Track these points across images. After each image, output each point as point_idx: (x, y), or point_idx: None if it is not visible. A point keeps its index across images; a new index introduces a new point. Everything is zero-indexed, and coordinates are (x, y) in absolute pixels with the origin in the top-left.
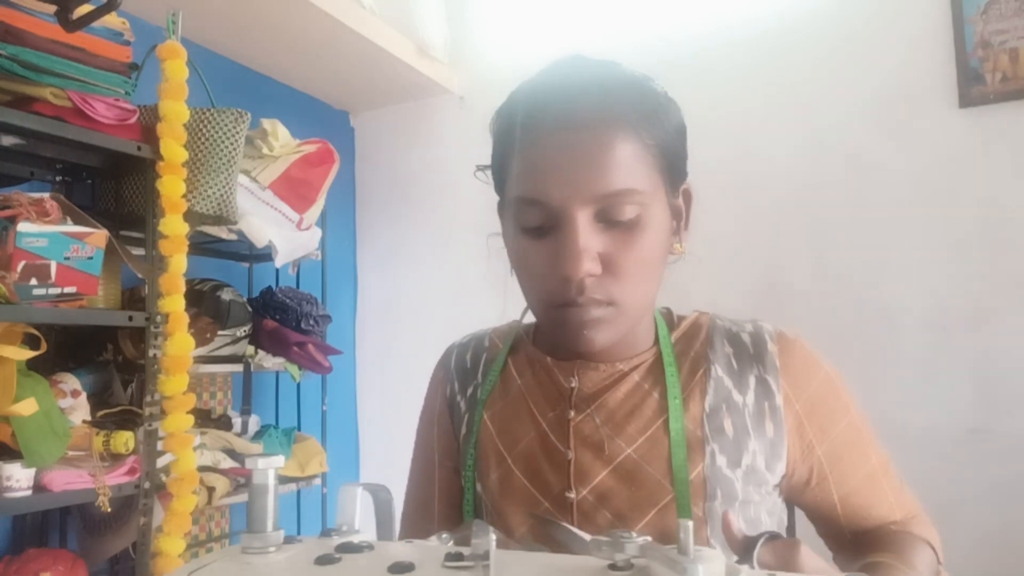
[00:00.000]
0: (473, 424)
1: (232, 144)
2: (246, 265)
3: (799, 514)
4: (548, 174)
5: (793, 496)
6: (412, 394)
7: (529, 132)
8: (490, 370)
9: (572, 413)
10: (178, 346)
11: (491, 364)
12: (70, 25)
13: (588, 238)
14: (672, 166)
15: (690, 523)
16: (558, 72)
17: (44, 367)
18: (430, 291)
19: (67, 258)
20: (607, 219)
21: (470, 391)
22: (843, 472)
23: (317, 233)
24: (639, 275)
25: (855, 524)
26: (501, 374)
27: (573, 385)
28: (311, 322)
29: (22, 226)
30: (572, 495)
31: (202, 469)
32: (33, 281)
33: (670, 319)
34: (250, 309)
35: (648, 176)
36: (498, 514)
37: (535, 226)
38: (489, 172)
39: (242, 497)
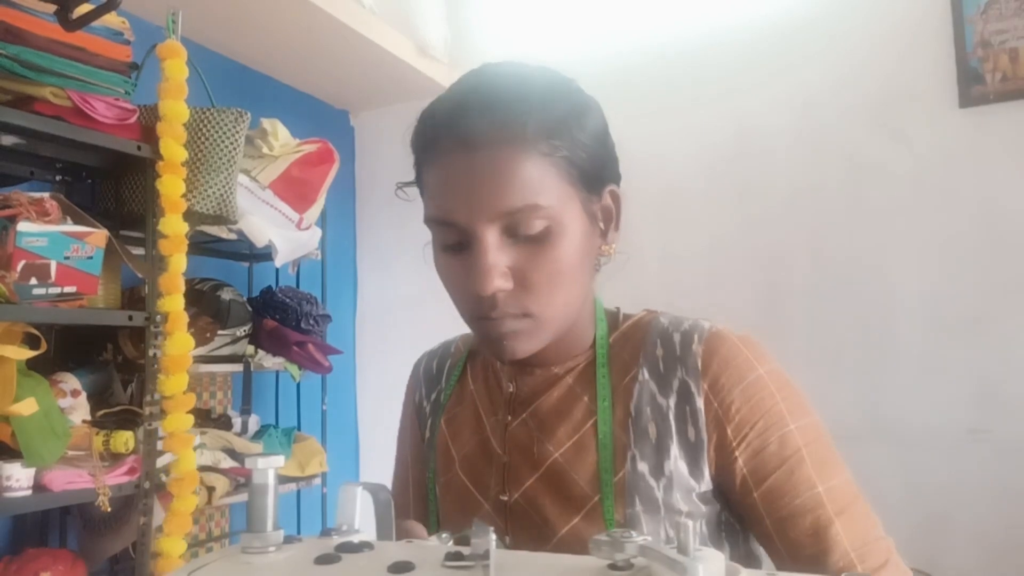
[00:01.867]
0: (434, 428)
1: (232, 144)
2: (246, 265)
3: None
4: (452, 195)
5: (737, 511)
6: None
7: (432, 153)
8: (452, 375)
9: (509, 417)
10: (177, 345)
11: (453, 370)
12: (70, 25)
13: (495, 255)
14: (588, 173)
15: (690, 523)
16: (462, 88)
17: (44, 367)
18: (430, 291)
19: (67, 258)
20: (514, 234)
21: (434, 396)
22: (773, 495)
23: (317, 233)
24: (553, 286)
25: (803, 567)
26: (459, 380)
27: (511, 390)
28: (311, 322)
29: (22, 226)
30: (505, 498)
31: (202, 469)
32: (33, 281)
33: (614, 320)
34: (250, 309)
35: (555, 188)
36: (444, 516)
37: (451, 243)
38: (409, 189)
39: (242, 497)
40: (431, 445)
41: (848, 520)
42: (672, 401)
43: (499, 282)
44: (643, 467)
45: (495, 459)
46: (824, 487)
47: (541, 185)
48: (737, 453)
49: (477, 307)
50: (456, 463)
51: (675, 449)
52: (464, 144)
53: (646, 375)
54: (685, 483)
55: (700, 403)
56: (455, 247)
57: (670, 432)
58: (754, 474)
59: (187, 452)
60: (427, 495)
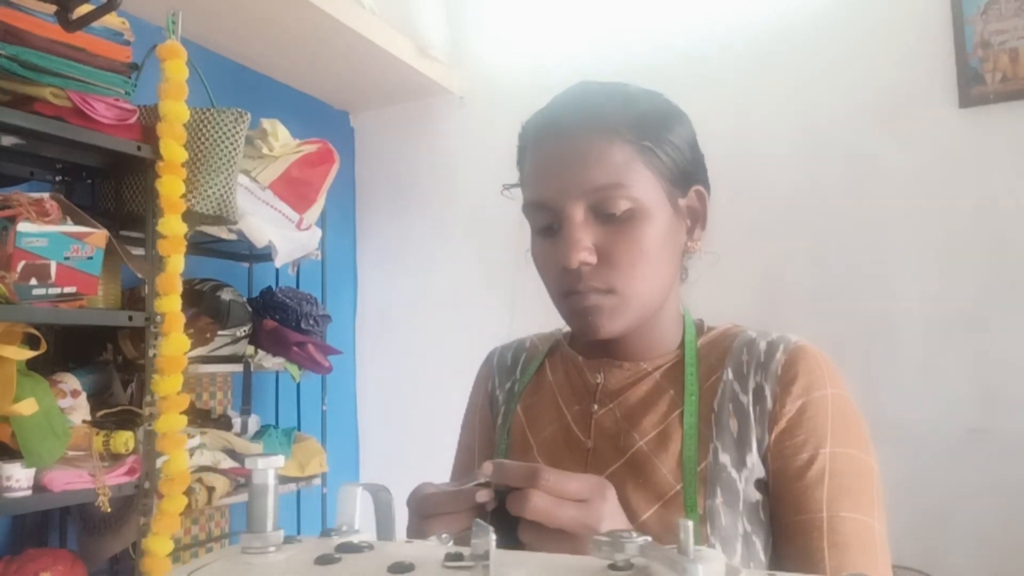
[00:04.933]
0: (508, 415)
1: (232, 144)
2: (246, 265)
3: None
4: (544, 177)
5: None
6: (412, 394)
7: (530, 145)
8: (528, 368)
9: (595, 407)
10: (173, 346)
11: (530, 363)
12: (70, 25)
13: (581, 230)
14: (673, 170)
15: (690, 523)
16: (561, 94)
17: (44, 367)
18: (430, 291)
19: (67, 258)
20: (601, 213)
21: (508, 386)
22: (781, 505)
23: (317, 233)
24: (636, 265)
25: None
26: (537, 372)
27: (599, 381)
28: (311, 322)
29: (22, 226)
30: None
31: (202, 469)
32: (33, 281)
33: (701, 327)
34: (250, 309)
35: (640, 174)
36: None
37: (543, 226)
38: (514, 191)
39: (242, 497)
40: (503, 430)
41: (839, 555)
42: (749, 400)
43: (584, 255)
44: (725, 458)
45: (577, 445)
46: (830, 514)
47: (626, 169)
48: (770, 456)
49: (564, 282)
50: (534, 448)
51: (754, 442)
52: (557, 134)
53: (730, 375)
54: (760, 474)
55: (768, 405)
56: (547, 230)
57: (750, 426)
58: (775, 478)
59: (179, 453)
60: None
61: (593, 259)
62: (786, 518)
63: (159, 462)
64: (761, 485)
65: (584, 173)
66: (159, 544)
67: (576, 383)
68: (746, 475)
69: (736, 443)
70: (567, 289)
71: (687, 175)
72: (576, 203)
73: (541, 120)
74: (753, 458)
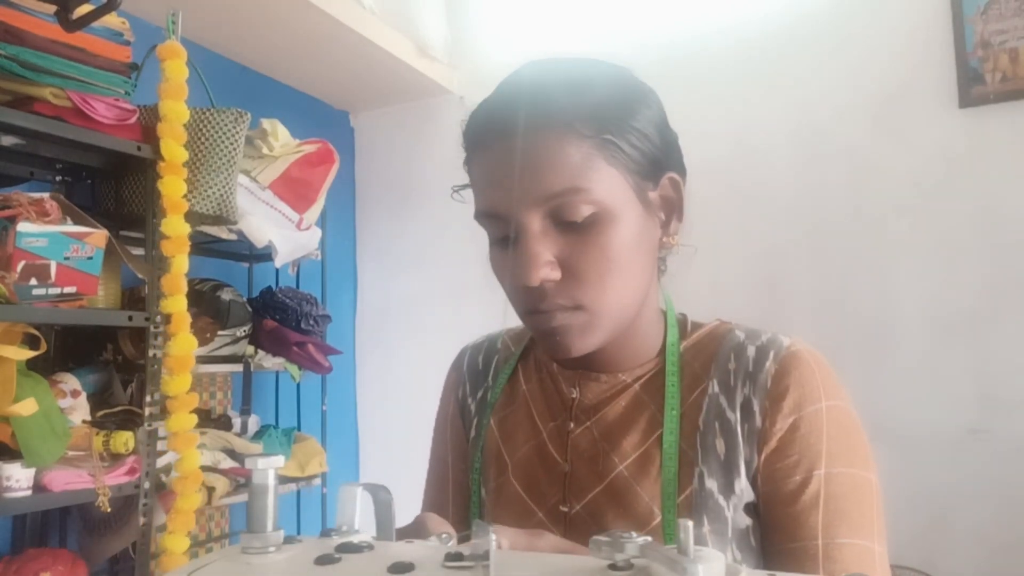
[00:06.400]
0: (481, 428)
1: (232, 144)
2: (246, 265)
3: None
4: (494, 185)
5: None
6: (412, 394)
7: (476, 148)
8: (500, 374)
9: (572, 425)
10: (181, 346)
11: (502, 367)
12: (70, 25)
13: (539, 244)
14: (640, 160)
15: (690, 523)
16: (505, 83)
17: (44, 367)
18: (430, 291)
19: (67, 258)
20: (560, 221)
21: (480, 394)
22: (774, 530)
23: (317, 233)
24: (605, 275)
25: None
26: (510, 380)
27: (574, 396)
28: (311, 322)
29: (22, 226)
30: (566, 508)
31: (202, 469)
32: (33, 281)
33: (685, 326)
34: (250, 309)
35: (602, 172)
36: (493, 521)
37: (499, 237)
38: (465, 191)
39: (242, 497)
40: (476, 446)
41: None
42: (737, 416)
43: (545, 271)
44: (711, 485)
45: (554, 467)
46: (826, 542)
47: (585, 168)
48: (760, 479)
49: (527, 300)
50: (509, 469)
51: (743, 467)
52: (504, 134)
53: (716, 388)
54: (749, 498)
55: (757, 423)
56: (504, 241)
57: (738, 447)
58: (765, 502)
59: (191, 451)
60: (469, 496)
61: (556, 274)
62: (779, 545)
63: (162, 461)
64: (751, 509)
65: (537, 179)
66: (175, 542)
67: (551, 396)
68: (734, 502)
69: (723, 467)
70: (530, 308)
71: (657, 164)
72: (532, 212)
73: (484, 116)
74: (742, 483)
